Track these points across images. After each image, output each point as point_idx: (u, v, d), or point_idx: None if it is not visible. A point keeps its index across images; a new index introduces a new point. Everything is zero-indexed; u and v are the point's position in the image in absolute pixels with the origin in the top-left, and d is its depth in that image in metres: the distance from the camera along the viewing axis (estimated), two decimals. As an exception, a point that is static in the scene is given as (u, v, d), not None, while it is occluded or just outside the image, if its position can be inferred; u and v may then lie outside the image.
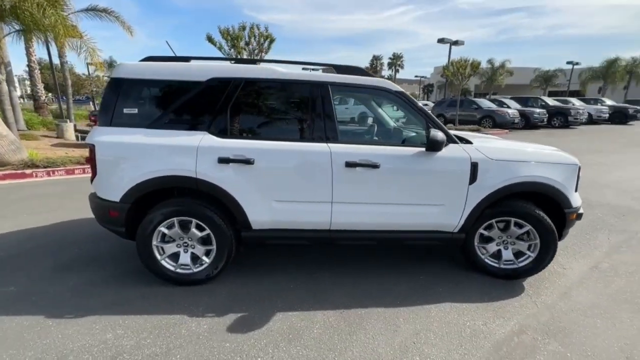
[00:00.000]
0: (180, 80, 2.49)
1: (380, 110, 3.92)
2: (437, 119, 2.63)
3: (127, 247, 3.22)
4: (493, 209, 2.66)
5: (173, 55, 2.85)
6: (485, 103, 17.01)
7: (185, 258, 2.57)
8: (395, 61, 54.48)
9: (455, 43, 18.89)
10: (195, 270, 2.58)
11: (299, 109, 2.65)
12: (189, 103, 2.48)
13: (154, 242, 2.50)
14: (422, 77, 48.45)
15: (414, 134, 3.23)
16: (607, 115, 19.93)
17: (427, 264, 3.10)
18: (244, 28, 10.36)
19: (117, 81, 2.46)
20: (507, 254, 2.80)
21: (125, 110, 2.44)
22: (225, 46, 10.03)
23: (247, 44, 10.31)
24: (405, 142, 2.84)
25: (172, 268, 2.56)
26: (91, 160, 2.44)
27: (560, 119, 17.48)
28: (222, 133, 2.46)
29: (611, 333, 2.21)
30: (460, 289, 2.69)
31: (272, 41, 10.92)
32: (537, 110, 16.88)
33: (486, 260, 2.84)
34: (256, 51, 10.53)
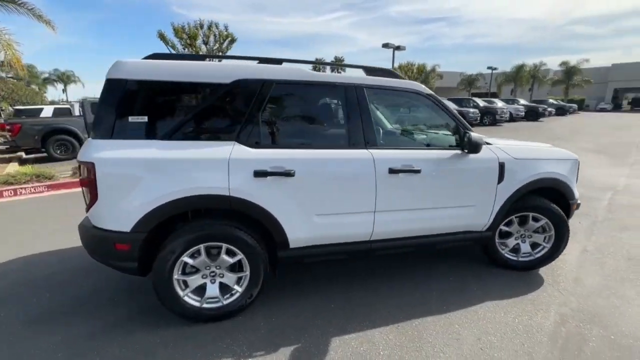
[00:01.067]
0: (198, 82, 2.11)
1: (378, 112, 3.88)
2: (466, 122, 2.66)
3: (117, 281, 2.68)
4: (515, 205, 2.78)
5: (169, 52, 2.43)
6: (428, 104, 18.29)
7: (213, 290, 2.20)
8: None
9: (398, 48, 20.06)
10: (225, 302, 2.22)
11: (335, 113, 2.46)
12: (212, 109, 2.13)
13: (175, 276, 2.08)
14: (362, 80, 50.38)
15: (424, 136, 3.24)
16: (524, 113, 23.01)
17: (446, 263, 3.13)
18: (201, 26, 9.53)
19: (118, 83, 1.99)
20: (525, 247, 2.96)
21: (132, 119, 1.99)
22: (179, 45, 9.09)
23: (205, 43, 9.50)
24: (430, 146, 2.82)
25: (196, 304, 2.17)
26: (89, 182, 1.93)
27: (490, 117, 19.67)
28: (254, 142, 2.15)
29: (632, 311, 2.44)
30: (490, 285, 2.76)
31: (232, 41, 10.23)
32: (472, 110, 18.73)
33: (506, 255, 2.96)
34: (215, 51, 9.79)
